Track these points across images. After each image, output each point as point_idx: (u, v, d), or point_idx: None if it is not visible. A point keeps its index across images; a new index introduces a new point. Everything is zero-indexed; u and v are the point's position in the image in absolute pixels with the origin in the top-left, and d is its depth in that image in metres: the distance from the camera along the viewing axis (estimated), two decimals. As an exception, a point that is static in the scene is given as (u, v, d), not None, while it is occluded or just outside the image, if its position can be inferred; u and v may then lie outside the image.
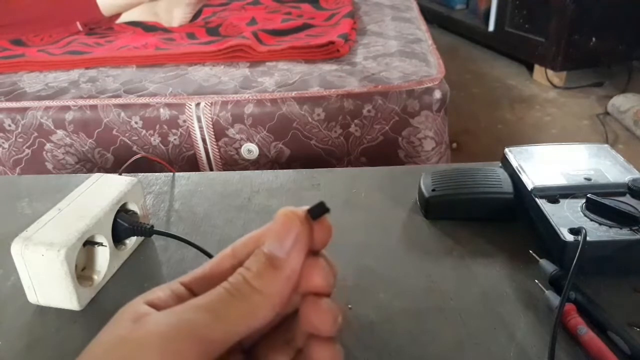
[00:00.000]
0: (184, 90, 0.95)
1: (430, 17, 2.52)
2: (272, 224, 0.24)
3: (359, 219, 0.54)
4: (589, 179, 0.50)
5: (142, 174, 0.64)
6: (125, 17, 1.40)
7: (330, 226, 0.25)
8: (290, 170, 0.63)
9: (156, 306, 0.23)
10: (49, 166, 0.99)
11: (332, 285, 0.25)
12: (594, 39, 2.12)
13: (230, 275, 0.24)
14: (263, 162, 0.96)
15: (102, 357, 0.21)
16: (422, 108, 0.92)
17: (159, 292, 0.24)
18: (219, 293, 0.22)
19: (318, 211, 0.24)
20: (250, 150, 0.95)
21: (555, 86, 2.24)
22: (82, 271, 0.46)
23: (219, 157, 0.96)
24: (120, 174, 0.54)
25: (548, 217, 0.46)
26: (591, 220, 0.45)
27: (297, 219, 0.24)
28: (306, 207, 0.24)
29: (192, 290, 0.24)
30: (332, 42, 1.06)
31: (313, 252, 0.25)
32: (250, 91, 0.94)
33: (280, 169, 0.70)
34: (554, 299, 0.40)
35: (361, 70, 1.00)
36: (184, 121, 0.93)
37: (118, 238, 0.48)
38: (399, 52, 1.09)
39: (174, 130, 0.94)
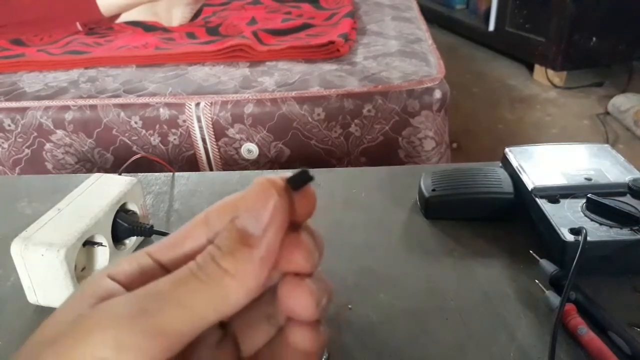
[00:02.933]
0: (183, 90, 0.95)
1: (430, 17, 2.51)
2: (247, 194, 0.21)
3: (359, 219, 0.54)
4: (589, 179, 0.50)
5: (142, 174, 0.64)
6: (125, 17, 1.40)
7: (314, 195, 0.21)
8: (290, 170, 0.63)
9: (120, 281, 0.21)
10: (49, 166, 0.99)
11: (317, 264, 0.22)
12: (594, 38, 2.12)
13: (202, 246, 0.21)
14: (263, 162, 0.96)
15: (54, 339, 0.19)
16: (422, 108, 0.92)
17: (124, 265, 0.22)
18: (184, 276, 0.20)
19: (300, 180, 0.21)
20: (250, 150, 0.95)
21: (555, 86, 2.23)
22: (81, 271, 0.46)
23: (218, 157, 0.96)
24: (119, 174, 0.54)
25: (548, 217, 0.46)
26: (591, 220, 0.45)
27: (275, 190, 0.20)
28: (286, 175, 0.21)
29: (160, 261, 0.22)
30: (332, 42, 1.06)
31: (295, 225, 0.21)
32: (250, 91, 0.94)
33: (280, 169, 0.70)
34: (554, 299, 0.40)
35: (361, 70, 0.99)
36: (184, 121, 0.93)
37: (118, 238, 0.48)
38: (399, 51, 1.09)
39: (173, 130, 0.94)
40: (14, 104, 0.96)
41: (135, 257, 0.22)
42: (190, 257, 0.21)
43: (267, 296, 0.22)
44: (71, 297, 0.21)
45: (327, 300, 0.22)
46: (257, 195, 0.20)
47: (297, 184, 0.21)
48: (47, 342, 0.19)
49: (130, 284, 0.21)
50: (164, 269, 0.22)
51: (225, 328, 0.24)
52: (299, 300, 0.21)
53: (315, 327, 0.22)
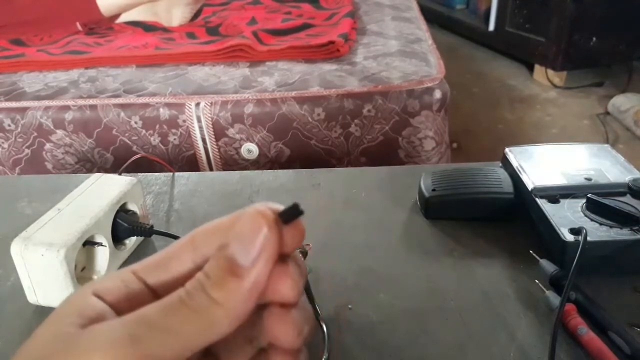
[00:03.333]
0: (183, 90, 0.95)
1: (430, 17, 2.51)
2: (238, 224, 0.21)
3: (359, 219, 0.54)
4: (589, 179, 0.50)
5: (142, 174, 0.64)
6: (125, 17, 1.40)
7: (303, 229, 0.22)
8: (290, 170, 0.63)
9: (106, 300, 0.22)
10: (49, 166, 0.99)
11: (301, 293, 0.22)
12: (594, 38, 2.12)
13: (188, 268, 0.22)
14: (263, 162, 0.96)
15: (44, 358, 0.19)
16: (422, 108, 0.92)
17: (108, 282, 0.22)
18: (173, 303, 0.20)
19: (291, 214, 0.21)
20: (250, 150, 0.95)
21: (555, 86, 2.24)
22: (81, 271, 0.46)
23: (218, 157, 0.96)
24: (119, 174, 0.54)
25: (548, 217, 0.46)
26: (591, 220, 0.45)
27: (266, 222, 0.21)
28: (278, 208, 0.22)
29: (145, 281, 0.23)
30: (332, 42, 1.06)
31: (282, 256, 0.22)
32: (250, 91, 0.94)
33: (280, 168, 0.70)
34: (554, 299, 0.40)
35: (361, 70, 0.99)
36: (184, 121, 0.93)
37: (118, 238, 0.48)
38: (399, 51, 1.09)
39: (173, 130, 0.94)
40: (14, 104, 0.96)
41: (120, 275, 0.23)
42: (176, 279, 0.22)
43: (249, 319, 0.23)
44: (55, 313, 0.21)
45: (308, 329, 0.23)
46: (248, 226, 0.21)
47: (288, 217, 0.21)
48: (38, 357, 0.19)
49: (117, 303, 0.22)
50: (149, 288, 0.23)
51: (207, 348, 0.24)
52: (283, 331, 0.22)
53: (297, 355, 0.23)
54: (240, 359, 0.24)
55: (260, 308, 0.23)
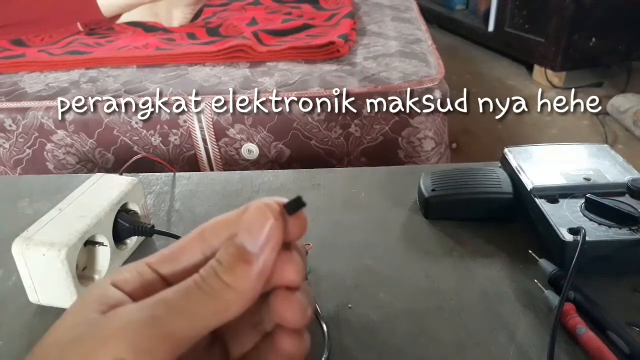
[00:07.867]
0: (184, 90, 0.96)
1: (430, 17, 2.51)
2: (246, 215, 0.24)
3: (359, 219, 0.54)
4: (588, 179, 0.50)
5: (143, 174, 0.64)
6: (125, 18, 1.40)
7: (305, 220, 0.24)
8: (291, 170, 0.63)
9: (122, 288, 0.23)
10: (50, 166, 0.99)
11: (304, 278, 0.25)
12: (593, 39, 2.12)
13: (198, 259, 0.24)
14: (263, 162, 0.96)
15: (69, 344, 0.20)
16: (422, 108, 0.92)
17: (125, 274, 0.24)
18: (189, 287, 0.22)
19: (294, 206, 0.24)
20: (250, 150, 0.95)
21: (554, 86, 2.24)
22: (82, 271, 0.46)
23: (219, 157, 0.96)
24: (120, 174, 0.54)
25: (547, 217, 0.46)
26: (590, 220, 0.45)
27: (272, 214, 0.23)
28: (282, 201, 0.24)
29: (158, 272, 0.24)
30: (332, 43, 1.07)
31: (286, 244, 0.24)
32: (251, 91, 0.94)
33: (280, 169, 0.70)
34: (553, 298, 0.40)
35: (361, 71, 1.00)
36: (185, 121, 0.93)
37: (119, 238, 0.48)
38: (398, 52, 1.10)
39: (174, 131, 0.94)
40: (15, 104, 0.96)
41: (135, 267, 0.24)
42: (187, 270, 0.24)
43: (255, 305, 0.24)
44: (77, 303, 0.23)
45: (311, 310, 0.25)
46: (256, 217, 0.23)
47: (292, 209, 0.24)
48: (67, 344, 0.21)
49: (133, 292, 0.23)
50: (163, 279, 0.24)
51: (215, 332, 0.26)
52: (290, 311, 0.24)
53: (301, 334, 0.25)
54: (246, 343, 0.26)
55: (264, 296, 0.24)
